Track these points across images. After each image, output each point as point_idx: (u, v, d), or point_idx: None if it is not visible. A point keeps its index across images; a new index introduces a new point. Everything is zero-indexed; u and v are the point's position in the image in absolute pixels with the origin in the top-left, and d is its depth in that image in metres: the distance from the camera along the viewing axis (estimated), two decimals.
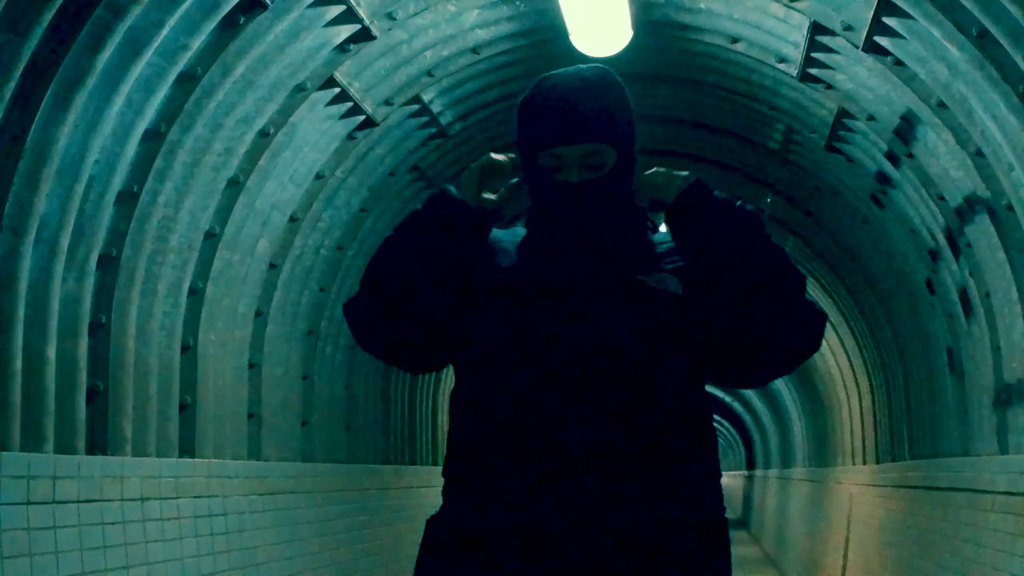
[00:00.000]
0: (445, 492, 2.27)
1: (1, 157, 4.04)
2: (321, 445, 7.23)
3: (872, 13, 4.94)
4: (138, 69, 4.48)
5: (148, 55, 4.49)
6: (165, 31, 4.49)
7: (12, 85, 3.91)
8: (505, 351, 2.19)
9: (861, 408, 10.18)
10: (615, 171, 2.21)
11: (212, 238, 5.59)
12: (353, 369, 7.88)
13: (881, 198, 6.84)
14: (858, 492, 10.42)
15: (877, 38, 5.14)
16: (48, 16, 3.91)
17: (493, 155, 2.27)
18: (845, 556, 10.49)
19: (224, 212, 5.62)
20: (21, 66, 3.91)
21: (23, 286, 4.20)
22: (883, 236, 7.32)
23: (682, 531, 2.15)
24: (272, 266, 6.36)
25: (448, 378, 10.74)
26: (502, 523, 2.14)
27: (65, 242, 4.43)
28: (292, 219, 6.40)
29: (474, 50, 6.40)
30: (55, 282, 4.39)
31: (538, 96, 2.23)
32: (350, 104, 6.07)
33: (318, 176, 6.42)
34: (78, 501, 4.32)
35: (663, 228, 2.34)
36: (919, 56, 5.07)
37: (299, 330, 6.91)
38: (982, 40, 4.49)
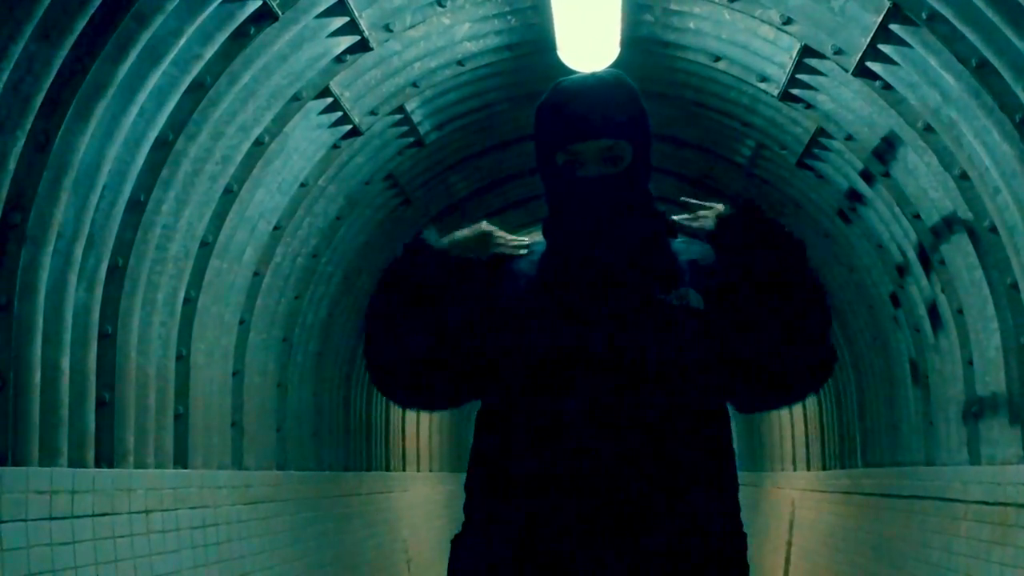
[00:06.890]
0: (468, 509, 2.27)
1: (24, 167, 3.98)
2: (293, 453, 7.20)
3: (869, 39, 5.10)
4: (155, 79, 4.46)
5: (165, 64, 4.46)
6: (183, 40, 4.47)
7: (41, 95, 3.87)
8: (529, 377, 2.20)
9: (805, 415, 10.41)
10: (632, 168, 2.25)
11: (205, 247, 5.56)
12: (320, 376, 7.86)
13: (849, 214, 7.04)
14: (800, 497, 10.67)
15: (869, 63, 5.31)
16: (80, 25, 3.87)
17: (495, 233, 2.30)
18: (787, 560, 10.73)
19: (218, 220, 5.59)
20: (51, 75, 3.87)
21: (41, 297, 4.14)
22: (846, 250, 7.52)
23: (703, 556, 2.17)
24: (256, 274, 6.32)
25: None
26: (531, 546, 2.15)
27: (79, 252, 4.38)
28: (276, 227, 6.37)
29: (459, 62, 6.44)
30: (69, 292, 4.34)
31: (555, 98, 2.27)
32: (340, 114, 6.07)
33: (302, 184, 6.40)
34: (92, 515, 4.28)
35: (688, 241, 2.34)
36: (910, 82, 5.25)
37: (275, 338, 6.87)
38: (981, 71, 4.68)
